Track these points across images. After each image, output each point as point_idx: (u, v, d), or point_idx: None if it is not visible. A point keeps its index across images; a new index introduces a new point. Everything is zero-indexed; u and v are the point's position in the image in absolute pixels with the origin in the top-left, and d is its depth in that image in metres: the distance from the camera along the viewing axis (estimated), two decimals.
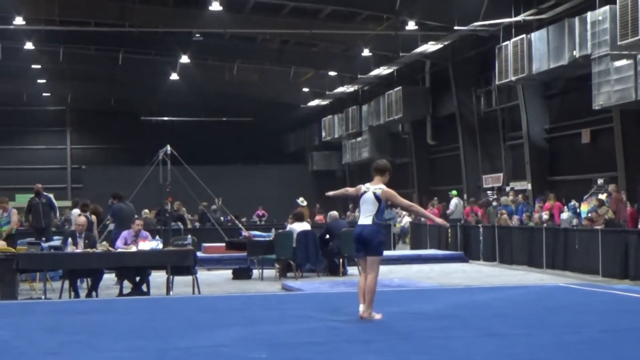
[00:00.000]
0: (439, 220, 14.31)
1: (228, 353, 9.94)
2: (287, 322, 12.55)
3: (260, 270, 21.43)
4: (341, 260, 21.97)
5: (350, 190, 13.25)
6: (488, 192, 38.69)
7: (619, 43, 25.32)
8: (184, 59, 44.77)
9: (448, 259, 26.37)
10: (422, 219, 33.21)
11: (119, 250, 17.88)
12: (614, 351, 9.82)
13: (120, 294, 17.79)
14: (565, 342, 10.46)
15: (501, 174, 38.94)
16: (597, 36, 26.91)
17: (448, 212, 33.87)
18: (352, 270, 21.77)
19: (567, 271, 21.77)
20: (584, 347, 10.15)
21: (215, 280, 21.19)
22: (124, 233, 18.72)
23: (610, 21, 26.06)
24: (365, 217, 12.32)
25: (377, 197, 12.25)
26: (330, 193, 13.78)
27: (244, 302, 16.01)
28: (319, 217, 35.84)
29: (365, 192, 12.38)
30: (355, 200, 12.79)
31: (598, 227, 22.28)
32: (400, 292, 17.47)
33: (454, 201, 34.24)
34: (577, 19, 28.13)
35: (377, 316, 12.38)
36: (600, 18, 26.72)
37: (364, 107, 49.54)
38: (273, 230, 24.15)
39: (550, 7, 30.51)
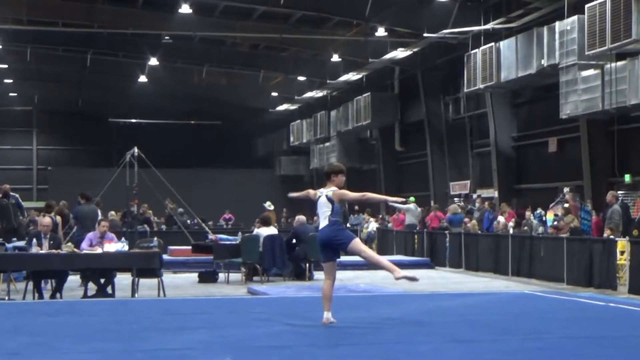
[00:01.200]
0: (393, 199, 14.22)
1: (193, 356, 9.86)
2: (253, 326, 12.49)
3: (227, 274, 21.37)
4: (307, 264, 21.95)
5: (311, 192, 13.11)
6: (455, 199, 38.83)
7: (586, 53, 25.54)
8: (153, 62, 44.64)
9: (414, 265, 26.32)
10: (389, 225, 33.35)
11: (84, 251, 17.74)
12: (576, 358, 9.85)
13: (85, 295, 17.67)
14: (529, 348, 10.48)
15: (468, 181, 39.11)
16: (565, 46, 27.11)
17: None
18: (319, 275, 21.69)
19: (533, 279, 21.85)
20: (547, 353, 10.16)
21: (181, 284, 21.10)
22: (90, 235, 18.58)
23: (578, 31, 26.27)
24: (323, 220, 12.38)
25: (329, 199, 12.27)
26: (293, 195, 13.69)
27: (209, 306, 15.93)
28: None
29: (319, 196, 12.41)
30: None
31: (563, 236, 22.38)
32: (366, 297, 17.46)
33: (411, 207, 34.22)
34: (545, 29, 28.32)
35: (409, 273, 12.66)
36: (568, 28, 26.90)
37: (333, 113, 49.56)
38: (240, 234, 24.12)
39: (519, 16, 30.68)
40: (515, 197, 34.88)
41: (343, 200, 12.73)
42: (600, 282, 19.28)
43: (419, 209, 33.98)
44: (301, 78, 49.66)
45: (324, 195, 12.33)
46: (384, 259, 12.54)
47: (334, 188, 12.41)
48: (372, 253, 12.49)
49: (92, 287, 18.08)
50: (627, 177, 28.23)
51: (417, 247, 28.79)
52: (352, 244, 12.31)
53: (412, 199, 35.79)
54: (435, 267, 26.18)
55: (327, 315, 12.34)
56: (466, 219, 30.46)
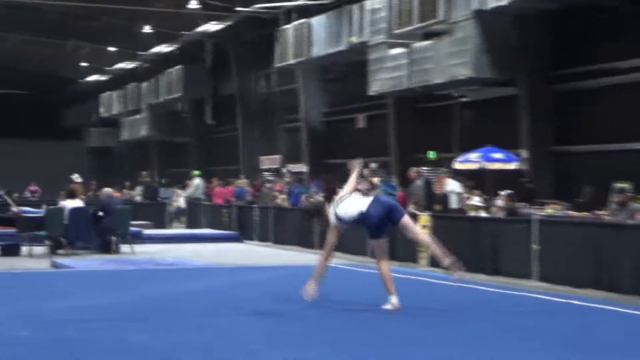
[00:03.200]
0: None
1: None
2: (54, 300, 12.22)
3: (30, 247, 20.83)
4: (114, 238, 21.63)
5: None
6: (265, 173, 39.05)
7: (394, 32, 26.02)
8: None
9: (223, 238, 26.37)
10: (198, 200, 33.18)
11: None
12: (374, 330, 10.00)
13: None
14: (330, 321, 10.65)
15: (278, 156, 39.37)
16: (375, 24, 27.56)
17: (187, 192, 33.90)
18: (125, 248, 21.50)
19: (338, 252, 22.06)
20: (347, 325, 10.36)
21: None
22: None
23: (387, 10, 26.72)
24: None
25: None
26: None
27: (10, 279, 15.51)
28: None
29: None
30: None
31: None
32: (173, 270, 17.32)
33: (196, 182, 34.34)
34: (356, 6, 28.74)
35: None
36: (377, 6, 27.37)
37: (144, 85, 49.05)
38: (44, 206, 23.52)
39: None
40: (324, 172, 35.31)
41: None
42: (403, 256, 19.67)
43: (202, 182, 34.20)
44: (112, 48, 48.83)
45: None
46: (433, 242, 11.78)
47: None
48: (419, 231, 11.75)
49: None
50: (431, 154, 29.00)
51: (227, 221, 28.74)
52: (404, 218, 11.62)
53: (195, 172, 35.94)
54: (243, 241, 26.20)
55: (395, 300, 11.31)
56: (275, 193, 30.69)
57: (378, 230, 11.48)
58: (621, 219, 16.20)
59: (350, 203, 11.48)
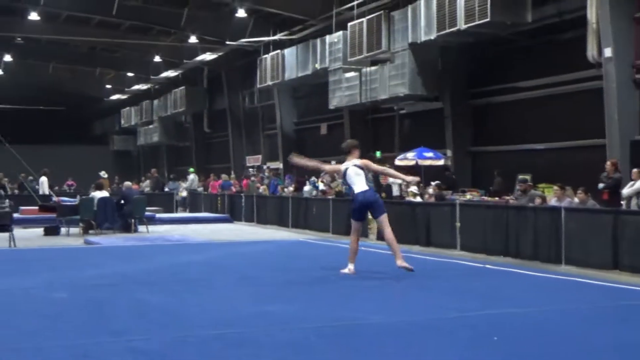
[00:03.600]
0: (409, 178, 12.32)
1: (36, 294, 9.46)
2: (87, 269, 12.11)
3: (67, 229, 20.65)
4: (133, 220, 21.52)
5: (326, 167, 12.64)
6: (250, 169, 38.97)
7: (348, 60, 26.06)
8: (7, 58, 42.51)
9: (217, 220, 26.30)
10: (198, 189, 33.06)
11: None
12: (335, 289, 10.03)
13: None
14: (300, 282, 10.63)
15: (260, 156, 39.32)
16: (333, 54, 27.58)
17: (186, 184, 33.84)
18: (142, 228, 21.39)
19: (307, 229, 22.12)
20: (314, 285, 10.35)
21: (30, 236, 20.16)
22: None
23: (342, 43, 26.78)
24: (361, 185, 11.18)
25: (359, 167, 11.26)
26: (301, 161, 12.20)
27: (52, 254, 15.36)
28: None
29: (346, 169, 11.31)
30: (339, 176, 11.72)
31: (330, 197, 22.80)
32: (178, 245, 17.26)
33: (191, 177, 34.30)
34: (318, 40, 28.75)
35: (403, 263, 11.11)
36: (335, 40, 27.40)
37: (155, 102, 48.83)
38: (78, 196, 23.35)
39: (299, 30, 30.97)
40: (295, 168, 35.23)
41: (369, 168, 11.58)
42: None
43: (196, 177, 34.25)
44: (130, 74, 48.65)
45: (352, 166, 11.30)
46: (396, 244, 11.28)
47: (355, 160, 11.41)
48: (390, 231, 11.12)
49: None
50: (378, 154, 28.98)
51: (220, 207, 28.66)
52: (384, 216, 11.23)
53: (191, 169, 35.90)
54: (233, 222, 26.14)
55: (351, 267, 11.25)
56: (258, 184, 30.67)
57: (358, 214, 11.30)
58: (523, 203, 16.31)
59: (358, 178, 11.25)
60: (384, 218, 11.21)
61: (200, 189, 33.51)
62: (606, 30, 18.16)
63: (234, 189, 30.93)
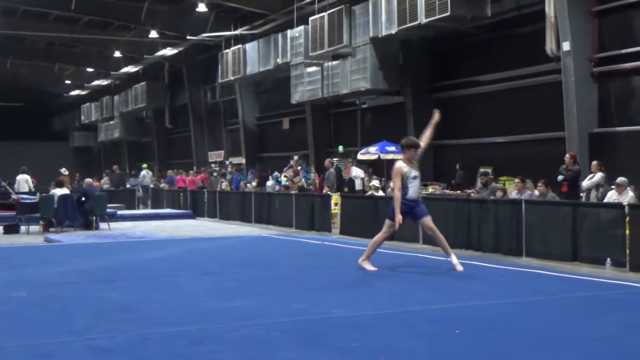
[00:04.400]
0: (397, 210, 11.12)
1: None
2: (47, 267, 12.02)
3: (27, 227, 20.42)
4: (94, 217, 21.31)
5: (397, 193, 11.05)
6: (212, 164, 38.82)
7: (310, 54, 26.04)
8: None
9: (180, 216, 26.14)
10: (164, 185, 32.89)
11: None
12: (297, 284, 10.06)
13: None
14: (263, 277, 10.65)
15: (222, 151, 39.18)
16: (295, 48, 27.55)
17: (138, 181, 33.71)
18: (103, 225, 21.20)
19: (270, 225, 22.08)
20: (276, 280, 10.37)
21: None
22: None
23: (304, 37, 26.75)
24: (416, 187, 11.07)
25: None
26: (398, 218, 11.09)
27: (11, 252, 15.18)
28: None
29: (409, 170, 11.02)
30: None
31: (293, 192, 22.79)
32: (140, 242, 17.14)
33: (142, 173, 34.15)
34: (280, 35, 28.69)
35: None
36: (297, 35, 27.37)
37: (116, 97, 48.43)
38: (38, 194, 23.06)
39: (260, 24, 30.85)
40: (258, 163, 35.25)
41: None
42: (319, 227, 19.76)
43: (149, 173, 34.14)
44: (90, 69, 48.19)
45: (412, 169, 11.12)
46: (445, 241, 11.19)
47: (400, 161, 11.13)
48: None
49: None
50: (340, 148, 29.11)
51: (182, 203, 28.50)
52: (428, 218, 11.22)
53: (144, 165, 35.96)
54: (196, 218, 26.02)
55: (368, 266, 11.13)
56: (221, 179, 30.57)
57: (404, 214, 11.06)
58: (484, 196, 16.44)
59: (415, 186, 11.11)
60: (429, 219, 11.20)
61: (152, 185, 33.41)
62: (564, 25, 18.36)
63: (185, 184, 30.97)
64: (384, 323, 7.28)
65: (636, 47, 17.76)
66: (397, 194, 10.89)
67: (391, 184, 11.36)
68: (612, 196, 14.80)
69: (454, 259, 11.11)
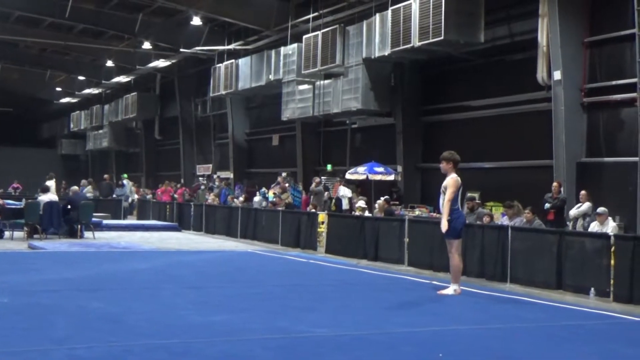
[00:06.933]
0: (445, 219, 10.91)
1: None
2: (30, 275, 11.95)
3: (11, 232, 20.31)
4: (79, 226, 21.22)
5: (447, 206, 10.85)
6: (200, 178, 38.77)
7: (302, 72, 26.11)
8: None
9: (165, 228, 26.07)
10: (148, 197, 32.80)
11: None
12: (281, 301, 10.01)
13: None
14: (246, 293, 10.62)
15: (211, 165, 39.14)
16: (288, 65, 27.61)
17: (119, 191, 33.49)
18: (88, 234, 21.10)
19: (256, 240, 22.01)
20: (260, 297, 10.33)
21: None
22: None
23: (297, 55, 26.82)
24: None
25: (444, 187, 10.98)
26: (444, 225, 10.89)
27: None
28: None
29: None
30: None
31: (280, 209, 22.76)
32: (125, 252, 17.09)
33: (125, 182, 34.10)
34: (273, 52, 28.75)
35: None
36: (290, 52, 27.44)
37: (106, 106, 48.32)
38: (23, 200, 22.97)
39: (254, 40, 30.96)
40: (246, 179, 35.23)
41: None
42: (305, 244, 19.74)
43: (130, 183, 34.01)
44: (81, 77, 48.16)
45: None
46: (458, 269, 11.13)
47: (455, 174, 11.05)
48: (456, 255, 10.99)
49: None
50: (329, 167, 29.13)
51: (169, 215, 28.43)
52: (450, 241, 11.04)
53: (125, 175, 35.79)
54: (182, 230, 25.95)
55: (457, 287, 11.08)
56: (207, 193, 30.54)
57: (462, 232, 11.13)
58: (471, 220, 16.46)
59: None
60: (452, 242, 11.07)
61: (136, 196, 33.36)
62: (556, 54, 18.51)
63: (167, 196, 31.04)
64: (366, 344, 7.27)
65: (626, 79, 17.88)
66: (448, 204, 10.82)
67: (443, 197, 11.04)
68: (594, 227, 14.88)
69: (450, 289, 11.04)
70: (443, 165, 11.23)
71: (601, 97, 18.60)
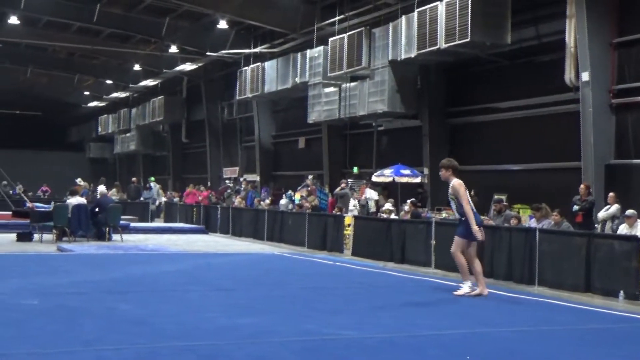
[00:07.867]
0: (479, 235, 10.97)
1: (5, 300, 9.36)
2: (59, 276, 12.06)
3: (40, 235, 20.49)
4: (107, 228, 21.36)
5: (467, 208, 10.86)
6: (227, 181, 38.91)
7: (328, 75, 26.13)
8: None
9: (192, 231, 26.14)
10: (175, 199, 32.96)
11: None
12: (307, 303, 10.02)
13: None
14: (273, 296, 10.63)
15: (237, 168, 39.26)
16: (313, 68, 27.64)
17: (147, 194, 33.68)
18: (116, 237, 21.23)
19: (282, 243, 22.05)
20: (287, 299, 10.33)
21: (1, 242, 19.97)
22: None
23: (323, 58, 26.85)
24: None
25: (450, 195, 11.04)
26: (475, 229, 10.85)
27: (24, 260, 15.22)
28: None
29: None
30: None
31: (306, 212, 22.78)
32: (152, 255, 17.17)
33: (152, 185, 34.32)
34: (299, 54, 28.79)
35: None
36: (316, 55, 27.47)
37: (133, 110, 48.67)
38: (52, 202, 23.16)
39: (280, 43, 31.04)
40: (272, 181, 35.30)
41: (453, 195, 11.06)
42: (332, 247, 19.74)
43: (157, 186, 34.21)
44: (109, 81, 48.53)
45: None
46: (462, 267, 11.02)
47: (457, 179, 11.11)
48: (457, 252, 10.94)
49: None
50: (355, 169, 29.10)
51: (196, 217, 28.54)
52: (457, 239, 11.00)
53: (152, 178, 35.92)
54: (208, 233, 26.03)
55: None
56: (235, 196, 30.61)
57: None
58: (498, 223, 16.38)
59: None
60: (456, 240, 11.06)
61: (163, 199, 33.56)
62: (584, 55, 18.36)
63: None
64: (393, 347, 7.24)
65: None
66: (468, 208, 10.82)
67: (456, 204, 11.06)
68: (623, 229, 14.73)
69: (464, 288, 10.97)
70: (442, 173, 11.33)
71: (630, 99, 18.43)
